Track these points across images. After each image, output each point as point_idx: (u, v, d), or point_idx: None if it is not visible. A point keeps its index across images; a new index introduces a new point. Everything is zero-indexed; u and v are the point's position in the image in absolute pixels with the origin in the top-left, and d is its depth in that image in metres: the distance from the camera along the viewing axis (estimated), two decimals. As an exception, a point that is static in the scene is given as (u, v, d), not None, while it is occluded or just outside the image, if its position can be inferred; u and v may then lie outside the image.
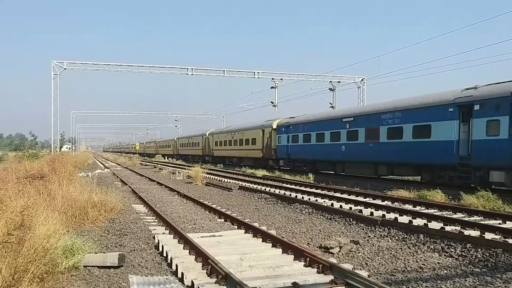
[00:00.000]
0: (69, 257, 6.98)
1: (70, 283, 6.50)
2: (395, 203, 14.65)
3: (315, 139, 28.56)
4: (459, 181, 17.79)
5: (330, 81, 42.27)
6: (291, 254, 7.86)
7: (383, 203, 14.41)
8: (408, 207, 13.68)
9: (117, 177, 30.76)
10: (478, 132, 16.76)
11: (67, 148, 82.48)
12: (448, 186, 17.71)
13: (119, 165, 53.66)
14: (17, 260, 5.59)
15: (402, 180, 20.58)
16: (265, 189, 20.15)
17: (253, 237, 9.70)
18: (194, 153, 61.22)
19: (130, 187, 22.23)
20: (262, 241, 9.16)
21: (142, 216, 13.15)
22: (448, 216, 11.68)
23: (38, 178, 13.21)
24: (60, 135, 48.71)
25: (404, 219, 11.33)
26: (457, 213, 12.40)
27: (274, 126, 34.88)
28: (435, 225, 10.39)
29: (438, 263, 7.84)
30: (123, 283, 6.77)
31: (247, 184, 22.63)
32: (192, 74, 40.68)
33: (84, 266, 7.26)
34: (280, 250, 8.28)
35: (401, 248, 8.89)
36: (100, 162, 62.86)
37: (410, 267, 7.61)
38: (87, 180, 17.16)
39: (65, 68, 38.77)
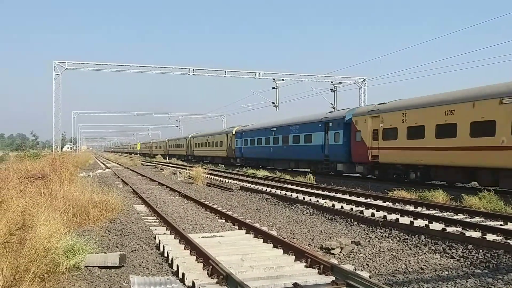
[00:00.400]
0: (70, 257, 6.98)
1: (71, 283, 6.50)
2: (396, 204, 14.63)
3: (256, 143, 39.00)
4: (326, 170, 28.10)
5: (332, 82, 42.23)
6: (292, 255, 7.85)
7: (384, 204, 14.40)
8: (409, 208, 13.66)
9: (118, 177, 30.78)
10: (331, 139, 26.79)
11: (68, 148, 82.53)
12: (321, 174, 27.74)
13: (120, 165, 53.70)
14: (18, 260, 5.59)
15: (403, 181, 20.60)
16: (266, 189, 20.15)
17: (254, 237, 9.69)
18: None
19: (131, 187, 22.24)
20: (263, 242, 9.15)
21: (143, 216, 13.15)
22: (450, 217, 11.66)
23: (39, 178, 13.22)
24: (61, 135, 48.71)
25: (406, 220, 11.32)
26: (458, 214, 12.38)
27: (234, 132, 43.91)
28: (436, 226, 10.38)
29: (440, 264, 7.82)
30: (124, 283, 6.77)
31: (248, 185, 22.62)
32: (193, 75, 40.67)
33: (85, 266, 7.27)
34: (281, 250, 8.27)
35: (402, 249, 8.88)
36: (101, 162, 62.93)
37: (411, 268, 7.60)
38: (88, 180, 17.18)
39: (66, 68, 38.79)
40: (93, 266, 7.37)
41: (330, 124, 27.10)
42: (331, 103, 42.49)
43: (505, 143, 15.42)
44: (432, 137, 18.52)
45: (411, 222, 10.85)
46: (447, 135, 17.80)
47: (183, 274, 6.82)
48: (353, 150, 24.27)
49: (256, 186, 21.72)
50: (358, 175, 25.72)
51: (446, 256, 8.30)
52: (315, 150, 28.66)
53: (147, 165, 52.21)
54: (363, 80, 42.16)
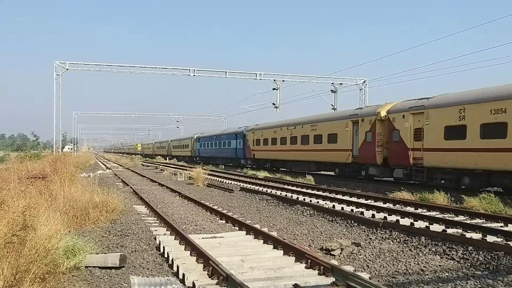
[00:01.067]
0: (70, 258, 6.99)
1: (72, 283, 6.51)
2: (397, 205, 14.63)
3: (204, 146, 56.93)
4: (236, 164, 45.33)
5: (332, 83, 42.28)
6: (292, 256, 7.85)
7: (385, 205, 14.40)
8: (410, 209, 13.66)
9: (119, 177, 30.79)
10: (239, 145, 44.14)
11: (69, 148, 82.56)
12: (235, 166, 43.95)
13: (121, 166, 53.71)
14: (19, 260, 5.60)
15: (404, 182, 20.57)
16: (266, 190, 20.15)
17: (254, 238, 9.69)
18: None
19: (131, 188, 22.24)
20: (264, 243, 9.15)
21: (144, 217, 13.16)
22: (450, 218, 11.66)
23: (40, 179, 13.23)
24: (62, 135, 48.76)
25: (406, 221, 11.31)
26: (458, 215, 12.38)
27: (195, 138, 61.28)
28: (436, 227, 10.38)
29: (440, 265, 7.82)
30: (124, 284, 6.77)
31: (249, 186, 22.63)
32: (194, 75, 40.70)
33: (85, 266, 7.27)
34: (282, 251, 8.27)
35: (402, 251, 8.87)
36: (101, 163, 62.93)
37: (412, 269, 7.60)
38: (89, 181, 17.16)
39: (67, 69, 38.83)
40: (94, 267, 7.37)
41: (238, 135, 44.66)
42: (332, 104, 42.52)
43: None
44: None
45: (412, 224, 10.85)
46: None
47: (184, 275, 6.82)
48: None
49: (257, 187, 21.72)
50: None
51: (446, 258, 8.30)
52: (231, 151, 46.72)
53: (147, 166, 52.22)
54: (364, 82, 42.17)
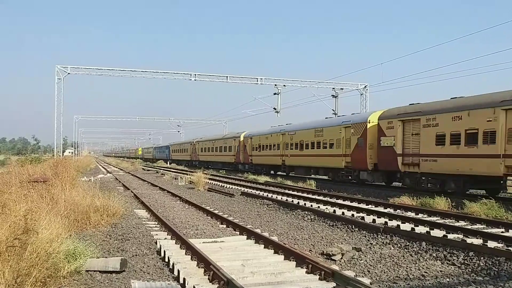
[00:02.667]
0: (71, 262, 6.99)
1: (72, 287, 6.51)
2: (398, 210, 14.62)
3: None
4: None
5: (333, 88, 42.32)
6: (293, 261, 7.85)
7: (385, 210, 14.39)
8: (411, 214, 13.65)
9: (120, 182, 30.80)
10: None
11: (69, 152, 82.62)
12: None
13: (122, 170, 53.73)
14: (20, 264, 5.61)
15: (405, 187, 20.59)
16: (267, 195, 20.14)
17: (255, 243, 9.69)
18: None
19: (132, 192, 22.25)
20: (264, 248, 9.15)
21: (144, 221, 13.16)
22: (451, 224, 11.65)
23: (41, 182, 13.25)
24: (63, 139, 48.80)
25: (407, 226, 11.31)
26: (459, 221, 12.36)
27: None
28: (437, 233, 10.37)
29: (441, 271, 7.81)
30: (125, 288, 6.77)
31: (249, 190, 22.62)
32: (195, 80, 40.77)
33: (86, 270, 7.28)
34: (282, 256, 8.27)
35: (403, 256, 8.87)
36: (102, 167, 62.96)
37: (413, 274, 7.59)
38: (90, 185, 17.18)
39: (68, 73, 38.88)
40: (94, 271, 7.37)
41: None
42: (333, 109, 42.55)
43: None
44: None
45: (412, 229, 10.84)
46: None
47: (184, 279, 6.82)
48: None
49: (257, 192, 21.71)
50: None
51: (447, 263, 8.29)
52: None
53: (148, 170, 52.23)
54: (365, 87, 42.22)
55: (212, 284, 6.61)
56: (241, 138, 44.09)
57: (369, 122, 23.04)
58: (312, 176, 29.52)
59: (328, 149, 27.23)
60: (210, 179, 29.00)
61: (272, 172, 37.79)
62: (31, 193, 10.07)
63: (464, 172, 17.14)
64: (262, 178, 30.56)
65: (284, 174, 34.45)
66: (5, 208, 7.25)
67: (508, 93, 15.64)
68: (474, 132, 16.36)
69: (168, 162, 75.96)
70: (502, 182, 15.80)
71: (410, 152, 19.92)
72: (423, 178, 19.42)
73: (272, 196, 19.76)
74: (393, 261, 8.50)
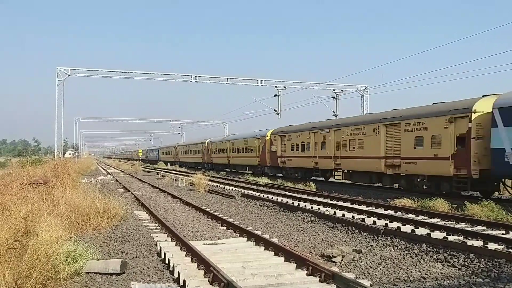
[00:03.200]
0: (71, 264, 7.01)
1: (72, 289, 6.51)
2: (398, 212, 14.62)
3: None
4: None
5: (333, 90, 42.35)
6: (293, 263, 7.85)
7: (386, 212, 14.39)
8: (411, 216, 13.65)
9: (120, 183, 30.81)
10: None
11: (70, 154, 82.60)
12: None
13: (122, 171, 53.75)
14: (20, 266, 5.61)
15: (404, 189, 20.60)
16: (267, 197, 20.14)
17: (255, 245, 9.69)
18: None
19: (132, 193, 22.26)
20: (265, 249, 9.15)
21: (145, 223, 13.16)
22: (451, 225, 11.65)
23: (41, 184, 13.26)
24: (63, 141, 48.81)
25: (407, 228, 11.30)
26: (460, 223, 12.36)
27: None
28: (438, 234, 10.36)
29: (441, 273, 7.81)
30: (125, 290, 6.77)
31: (250, 192, 22.62)
32: (195, 82, 40.80)
33: (86, 272, 7.28)
34: (283, 258, 8.27)
35: (403, 258, 8.86)
36: (103, 169, 62.97)
37: (413, 276, 7.59)
38: (90, 187, 17.19)
39: (69, 75, 38.92)
40: (95, 273, 7.38)
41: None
42: (333, 111, 42.58)
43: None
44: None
45: (413, 231, 10.84)
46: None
47: (184, 281, 6.82)
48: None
49: (258, 194, 21.71)
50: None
51: (447, 265, 8.28)
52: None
53: (148, 172, 52.24)
54: (365, 88, 42.24)
55: (213, 286, 6.61)
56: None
57: (267, 136, 36.74)
58: (246, 171, 43.01)
59: (250, 152, 40.50)
60: (210, 180, 28.98)
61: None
62: (31, 195, 10.09)
63: (306, 166, 30.14)
64: (263, 180, 30.56)
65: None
66: (5, 210, 7.27)
67: (386, 114, 22.19)
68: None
69: (176, 164, 74.20)
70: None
71: (284, 155, 33.49)
72: (289, 169, 33.39)
73: (272, 198, 19.75)
74: (393, 263, 8.50)
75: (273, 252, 8.77)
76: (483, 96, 17.21)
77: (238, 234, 11.21)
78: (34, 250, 6.04)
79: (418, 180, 19.64)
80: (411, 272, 7.85)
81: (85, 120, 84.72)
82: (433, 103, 19.46)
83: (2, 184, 11.62)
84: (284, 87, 41.74)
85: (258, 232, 11.06)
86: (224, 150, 48.81)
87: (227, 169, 47.87)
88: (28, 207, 7.29)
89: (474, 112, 16.60)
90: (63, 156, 46.32)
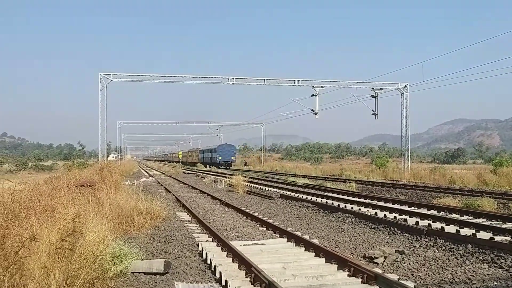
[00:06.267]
0: (117, 264, 7.20)
1: (119, 288, 6.71)
2: (441, 212, 14.27)
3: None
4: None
5: (372, 88, 41.73)
6: (334, 264, 7.80)
7: (429, 212, 14.07)
8: (455, 216, 13.29)
9: (161, 185, 31.40)
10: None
11: (113, 157, 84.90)
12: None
13: (163, 173, 54.74)
14: (69, 266, 5.82)
15: (448, 188, 20.06)
16: (306, 197, 20.07)
17: (295, 246, 9.69)
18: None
19: (174, 195, 22.65)
20: (305, 250, 9.13)
21: (186, 223, 13.39)
22: (498, 225, 11.27)
23: (87, 186, 13.68)
24: (106, 144, 50.23)
25: (451, 228, 11.02)
26: (507, 222, 11.94)
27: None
28: (484, 235, 10.05)
29: (488, 274, 7.57)
30: (169, 290, 6.92)
31: (288, 193, 22.60)
32: (232, 84, 41.13)
33: (131, 272, 7.48)
34: (323, 259, 8.23)
35: (448, 259, 8.65)
36: (144, 171, 64.36)
37: (458, 278, 7.40)
38: (133, 188, 17.63)
39: (111, 80, 40.07)
40: (139, 273, 7.57)
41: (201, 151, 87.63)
42: (372, 110, 41.95)
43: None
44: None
45: (457, 231, 10.55)
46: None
47: (226, 281, 6.90)
48: None
49: (296, 194, 21.66)
50: None
51: (494, 266, 8.02)
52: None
53: (188, 174, 53.01)
54: (405, 86, 41.40)
55: (254, 286, 6.66)
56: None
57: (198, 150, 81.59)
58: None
59: (193, 157, 66.28)
60: (248, 182, 29.12)
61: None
62: (78, 197, 10.41)
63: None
64: (301, 181, 30.46)
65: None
66: (54, 212, 7.56)
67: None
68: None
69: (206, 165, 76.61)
70: None
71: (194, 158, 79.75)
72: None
73: (311, 198, 19.66)
74: (437, 264, 8.31)
75: (313, 253, 8.75)
76: None
77: (278, 235, 11.23)
78: (82, 250, 6.25)
79: None
80: (457, 273, 7.66)
81: (127, 124, 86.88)
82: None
83: (51, 187, 12.08)
84: (322, 86, 41.49)
85: (298, 233, 11.05)
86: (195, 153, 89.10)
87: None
88: (76, 209, 7.56)
89: None
90: (107, 159, 47.67)
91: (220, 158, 71.42)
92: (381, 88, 41.72)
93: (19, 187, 8.17)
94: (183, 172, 56.81)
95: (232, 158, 73.28)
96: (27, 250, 5.51)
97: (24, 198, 8.03)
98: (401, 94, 41.81)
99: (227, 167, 67.96)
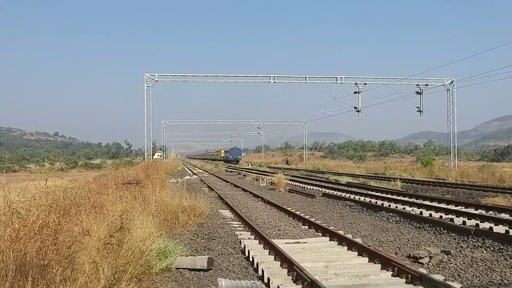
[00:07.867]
0: (162, 259, 7.39)
1: (164, 284, 6.89)
2: (490, 211, 13.79)
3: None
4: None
5: (417, 84, 40.70)
6: (378, 263, 7.72)
7: (477, 212, 13.63)
8: (505, 216, 12.81)
9: (204, 183, 31.84)
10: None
11: (158, 155, 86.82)
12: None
13: (206, 171, 55.49)
14: (117, 261, 6.05)
15: (497, 187, 19.34)
16: (349, 196, 19.86)
17: (338, 245, 9.63)
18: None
19: (216, 192, 22.93)
20: (348, 249, 9.07)
21: (229, 221, 13.55)
22: (552, 227, 10.78)
23: (134, 184, 14.09)
24: (152, 143, 51.47)
25: (500, 228, 10.65)
26: (562, 223, 11.40)
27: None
28: (536, 236, 9.66)
29: (540, 277, 7.28)
30: (212, 286, 7.05)
31: (331, 191, 22.43)
32: (274, 82, 41.15)
33: (176, 268, 7.66)
34: (367, 258, 8.15)
35: (497, 260, 8.37)
36: (188, 169, 65.46)
37: (508, 280, 7.15)
38: (177, 186, 17.97)
39: (156, 81, 40.98)
40: (183, 268, 7.74)
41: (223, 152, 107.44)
42: (417, 107, 40.95)
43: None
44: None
45: (507, 231, 10.19)
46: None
47: (268, 279, 6.96)
48: None
49: (339, 193, 21.46)
50: None
51: (548, 269, 7.70)
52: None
53: (230, 172, 53.49)
54: (451, 82, 40.16)
55: (296, 284, 6.69)
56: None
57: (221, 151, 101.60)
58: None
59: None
60: (290, 180, 29.10)
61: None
62: (125, 194, 10.74)
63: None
64: (344, 179, 30.15)
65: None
66: (103, 209, 7.85)
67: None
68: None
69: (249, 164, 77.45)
70: None
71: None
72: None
73: (354, 197, 19.44)
74: (485, 265, 8.06)
75: (356, 252, 8.68)
76: None
77: (320, 234, 11.20)
78: (129, 246, 6.47)
79: None
80: (506, 275, 7.40)
81: (171, 123, 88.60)
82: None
83: (99, 184, 12.53)
84: (365, 83, 40.86)
85: (341, 232, 10.98)
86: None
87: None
88: (123, 206, 7.82)
89: None
90: (152, 157, 48.83)
91: (231, 156, 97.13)
92: (426, 85, 40.65)
93: (70, 184, 8.49)
94: (225, 170, 57.38)
95: (239, 156, 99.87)
96: (79, 245, 5.76)
97: (74, 195, 8.36)
98: (447, 90, 40.59)
99: (236, 163, 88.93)
